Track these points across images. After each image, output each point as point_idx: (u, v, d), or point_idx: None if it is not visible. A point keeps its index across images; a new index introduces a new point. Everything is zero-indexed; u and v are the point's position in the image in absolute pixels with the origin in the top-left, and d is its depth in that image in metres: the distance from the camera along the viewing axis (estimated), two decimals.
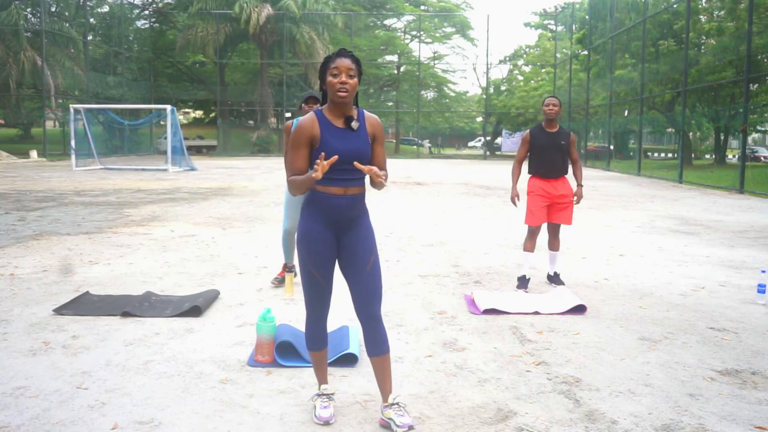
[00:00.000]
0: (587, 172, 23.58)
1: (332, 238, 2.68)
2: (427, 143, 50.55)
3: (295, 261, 5.36)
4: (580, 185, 5.31)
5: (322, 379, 2.87)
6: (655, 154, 38.79)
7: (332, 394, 2.84)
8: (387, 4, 42.95)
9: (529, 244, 5.32)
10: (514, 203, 5.34)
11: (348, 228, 2.70)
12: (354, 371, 3.34)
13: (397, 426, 2.63)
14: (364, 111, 2.71)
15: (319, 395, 2.81)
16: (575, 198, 5.27)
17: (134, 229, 8.10)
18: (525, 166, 5.37)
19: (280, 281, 5.24)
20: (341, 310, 4.50)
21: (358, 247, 2.70)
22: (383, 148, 2.76)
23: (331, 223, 2.65)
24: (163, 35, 40.03)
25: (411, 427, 2.64)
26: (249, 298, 4.77)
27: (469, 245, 7.28)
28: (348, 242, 2.70)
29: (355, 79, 2.57)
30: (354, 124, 2.60)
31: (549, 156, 5.19)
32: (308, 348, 2.84)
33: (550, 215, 5.29)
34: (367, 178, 2.67)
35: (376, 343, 2.72)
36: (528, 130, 5.37)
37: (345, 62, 2.55)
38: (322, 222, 2.65)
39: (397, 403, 2.72)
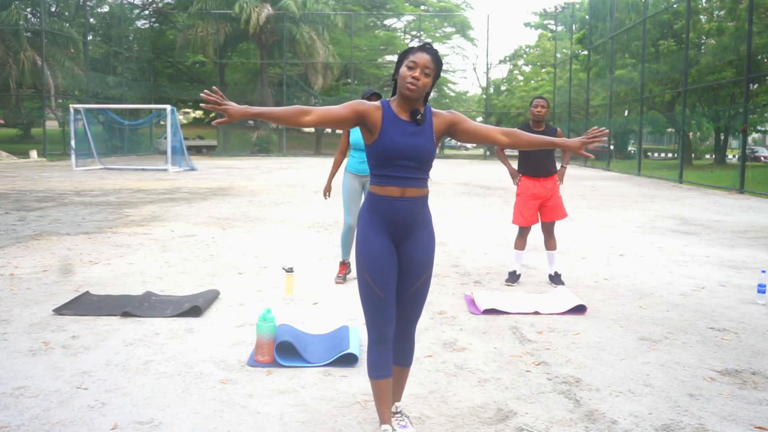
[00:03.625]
0: (587, 172, 23.61)
1: (392, 247, 2.46)
2: None
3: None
4: (563, 166, 5.43)
5: (384, 416, 2.53)
6: (655, 154, 38.78)
7: None
8: (387, 4, 42.93)
9: (519, 243, 5.48)
10: (516, 182, 5.49)
11: (406, 236, 2.47)
12: (354, 371, 3.34)
13: None
14: (432, 108, 2.53)
15: None
16: (559, 175, 5.38)
17: (134, 229, 8.10)
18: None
19: (342, 278, 5.35)
20: (341, 310, 4.50)
21: (413, 261, 2.49)
22: (474, 123, 2.57)
23: (388, 228, 2.44)
24: (163, 35, 40.01)
25: None
26: (249, 298, 4.77)
27: (469, 245, 7.28)
28: (404, 252, 2.49)
29: (429, 79, 2.39)
30: (419, 118, 2.42)
31: (537, 155, 5.33)
32: (368, 375, 2.54)
33: (542, 215, 5.37)
34: (429, 180, 2.51)
35: (401, 355, 2.64)
36: (517, 127, 5.48)
37: (424, 58, 2.37)
38: (380, 228, 2.44)
39: (400, 412, 2.67)
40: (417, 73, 2.36)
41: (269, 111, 2.35)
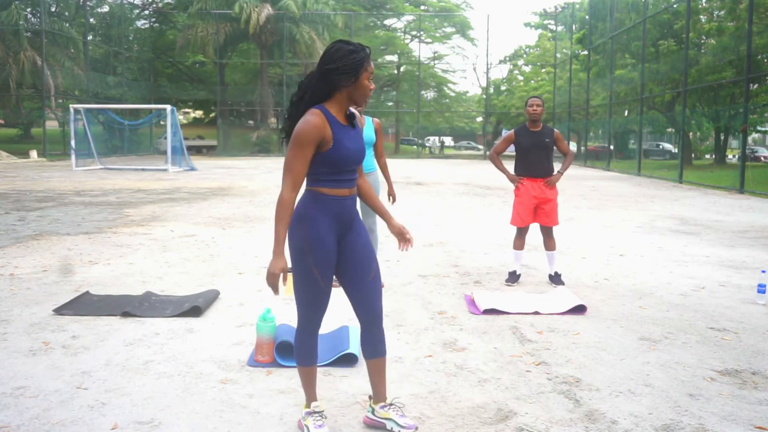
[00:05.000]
0: (587, 172, 23.61)
1: (336, 242, 2.56)
2: (436, 141, 49.53)
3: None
4: (560, 172, 5.40)
5: (312, 396, 2.69)
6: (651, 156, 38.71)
7: (323, 411, 2.68)
8: (387, 4, 42.93)
9: (518, 243, 5.48)
10: (517, 185, 5.41)
11: (349, 229, 2.59)
12: (354, 371, 3.34)
13: (401, 427, 2.63)
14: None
15: (310, 413, 2.64)
16: (549, 181, 5.34)
17: (134, 229, 8.10)
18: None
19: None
20: (341, 310, 4.50)
21: (360, 253, 2.60)
22: None
23: (336, 225, 2.53)
24: (163, 35, 40.03)
25: (416, 428, 2.65)
26: (249, 298, 4.77)
27: (469, 245, 7.29)
28: (351, 244, 2.59)
29: None
30: (356, 121, 2.54)
31: (535, 156, 5.32)
32: (299, 363, 2.64)
33: (536, 216, 5.36)
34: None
35: (376, 344, 2.67)
36: (513, 129, 5.46)
37: (373, 67, 2.52)
38: (328, 225, 2.51)
39: (392, 404, 2.70)
40: (373, 85, 2.50)
41: (282, 233, 2.40)
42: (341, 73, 2.39)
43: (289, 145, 2.40)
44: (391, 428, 2.65)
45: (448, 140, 48.32)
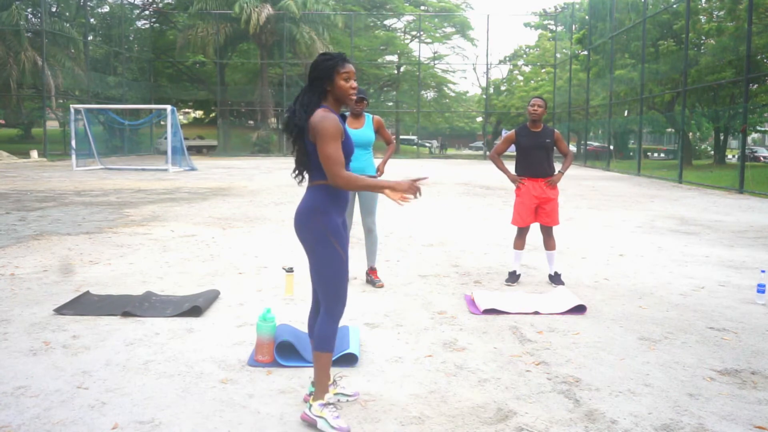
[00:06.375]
0: (587, 172, 23.61)
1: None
2: (435, 142, 49.42)
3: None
4: (561, 172, 5.42)
5: (326, 387, 2.76)
6: (655, 154, 38.75)
7: (334, 403, 2.75)
8: (387, 4, 42.93)
9: (518, 243, 5.50)
10: (518, 185, 5.42)
11: (344, 218, 2.86)
12: (354, 371, 3.34)
13: (350, 396, 2.94)
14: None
15: (325, 405, 2.68)
16: (550, 181, 5.35)
17: (134, 229, 8.10)
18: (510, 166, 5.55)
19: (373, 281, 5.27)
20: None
21: None
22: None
23: (341, 214, 2.77)
24: (163, 35, 40.03)
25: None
26: (249, 298, 4.77)
27: (469, 245, 7.29)
28: None
29: None
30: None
31: (535, 156, 5.33)
32: (327, 350, 2.72)
33: (538, 216, 5.37)
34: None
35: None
36: (513, 130, 5.47)
37: (353, 68, 2.72)
38: (337, 214, 2.74)
39: (334, 382, 2.94)
40: (354, 83, 2.71)
41: (371, 180, 2.67)
42: (320, 78, 2.66)
43: (324, 142, 2.57)
44: (344, 399, 2.91)
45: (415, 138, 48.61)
